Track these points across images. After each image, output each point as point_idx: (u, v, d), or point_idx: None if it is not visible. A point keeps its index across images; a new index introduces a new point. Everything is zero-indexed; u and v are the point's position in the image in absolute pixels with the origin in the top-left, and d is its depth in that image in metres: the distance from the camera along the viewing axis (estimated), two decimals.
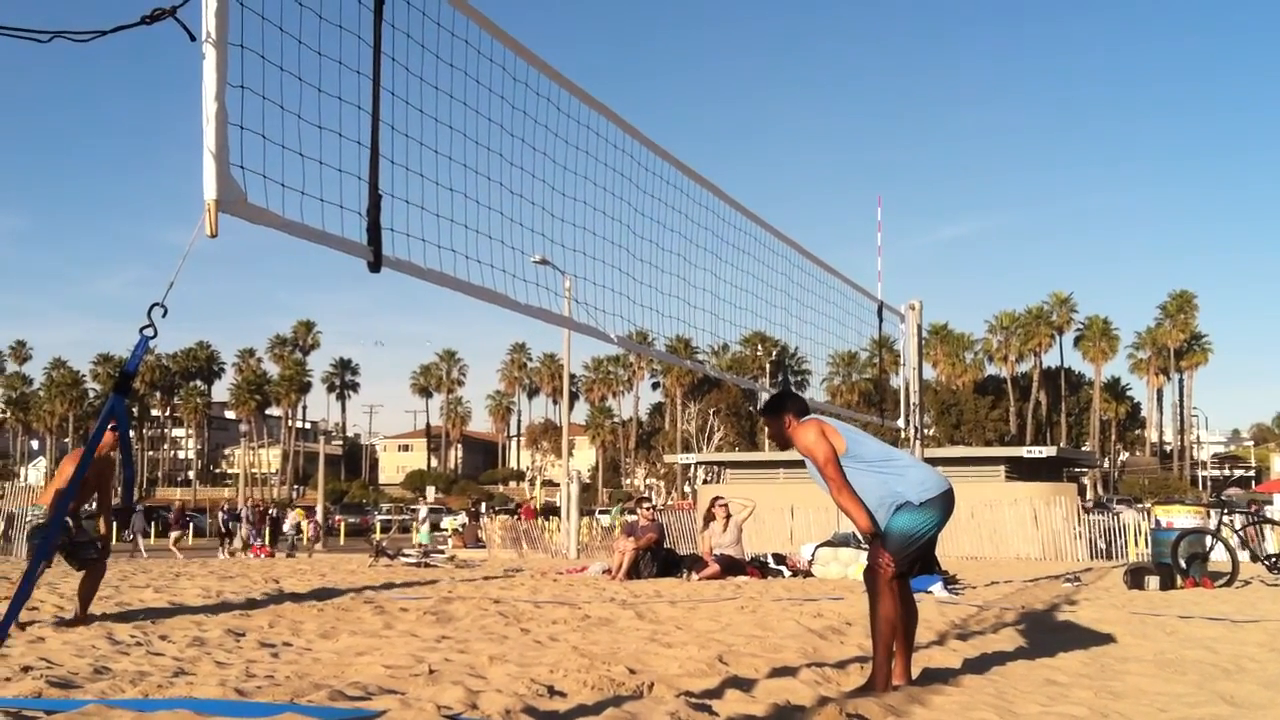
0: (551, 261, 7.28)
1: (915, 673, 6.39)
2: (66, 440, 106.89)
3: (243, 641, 7.87)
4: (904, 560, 6.04)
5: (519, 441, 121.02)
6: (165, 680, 5.90)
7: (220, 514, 36.47)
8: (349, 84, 4.59)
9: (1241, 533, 16.63)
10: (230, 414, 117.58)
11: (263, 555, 28.43)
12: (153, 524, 46.47)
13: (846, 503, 6.05)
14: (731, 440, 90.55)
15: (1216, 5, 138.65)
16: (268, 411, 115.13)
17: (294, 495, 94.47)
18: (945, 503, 6.13)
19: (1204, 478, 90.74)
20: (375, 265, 4.61)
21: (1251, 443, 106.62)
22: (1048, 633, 9.00)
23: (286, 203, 4.29)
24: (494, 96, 5.55)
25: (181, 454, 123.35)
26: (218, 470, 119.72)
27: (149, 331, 3.67)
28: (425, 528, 33.33)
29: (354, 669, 6.46)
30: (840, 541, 17.07)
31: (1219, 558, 15.74)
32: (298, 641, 7.97)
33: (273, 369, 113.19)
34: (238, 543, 31.98)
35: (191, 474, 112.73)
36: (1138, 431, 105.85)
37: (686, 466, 68.87)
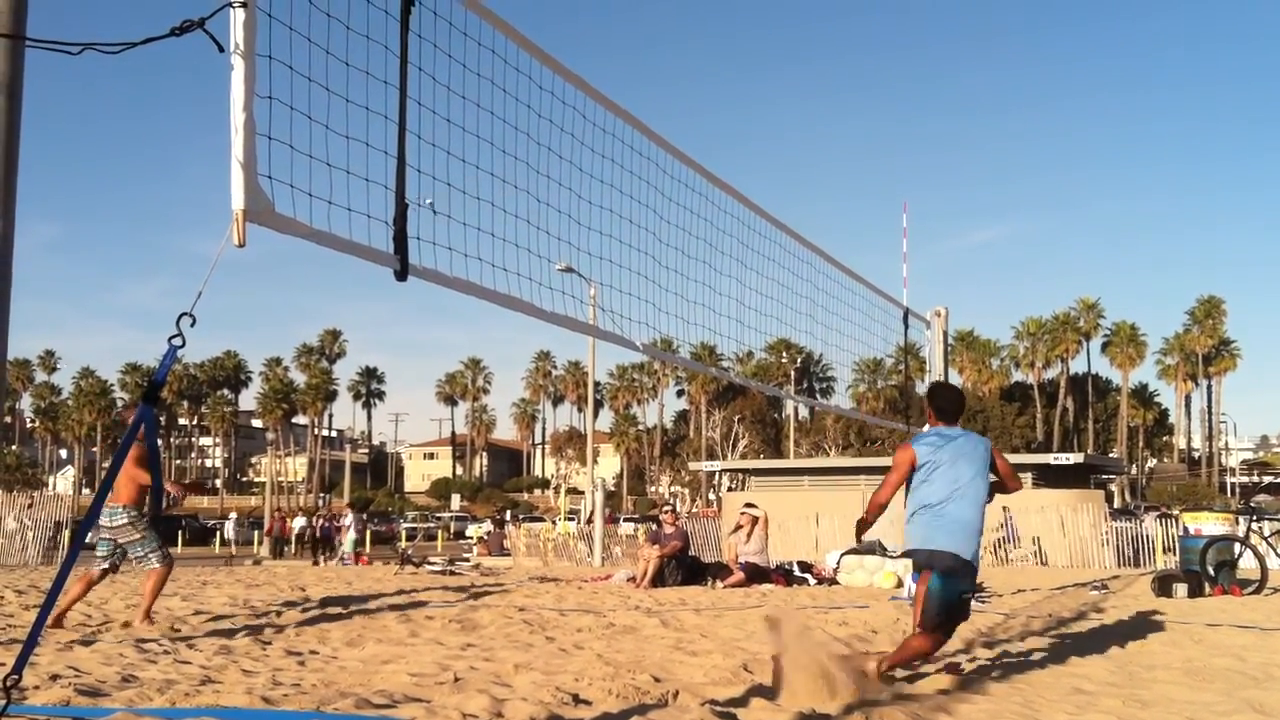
0: (576, 269, 7.30)
1: (944, 682, 6.38)
2: (95, 450, 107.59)
3: (269, 650, 7.91)
4: (930, 618, 6.30)
5: (544, 449, 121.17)
6: (192, 689, 5.93)
7: (319, 521, 36.64)
8: (376, 93, 4.61)
9: (1270, 540, 16.49)
10: (257, 422, 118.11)
11: (361, 564, 27.92)
12: (179, 534, 46.70)
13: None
14: (756, 448, 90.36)
15: (1245, 7, 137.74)
16: (294, 420, 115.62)
17: (319, 503, 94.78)
18: (930, 559, 6.39)
19: (1233, 484, 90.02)
20: (402, 274, 4.62)
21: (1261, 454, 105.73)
22: (1075, 641, 8.95)
23: (314, 212, 4.31)
24: (519, 105, 5.57)
25: (209, 462, 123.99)
26: (244, 479, 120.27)
27: (177, 341, 3.69)
28: (350, 535, 31.88)
29: (380, 677, 6.48)
30: (866, 550, 17.02)
31: (1248, 565, 15.61)
32: (324, 649, 8.00)
33: (299, 378, 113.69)
34: (347, 546, 31.38)
35: (219, 482, 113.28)
36: (1166, 438, 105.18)
37: (711, 474, 68.78)
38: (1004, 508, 13.07)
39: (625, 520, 58.59)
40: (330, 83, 4.41)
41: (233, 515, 32.72)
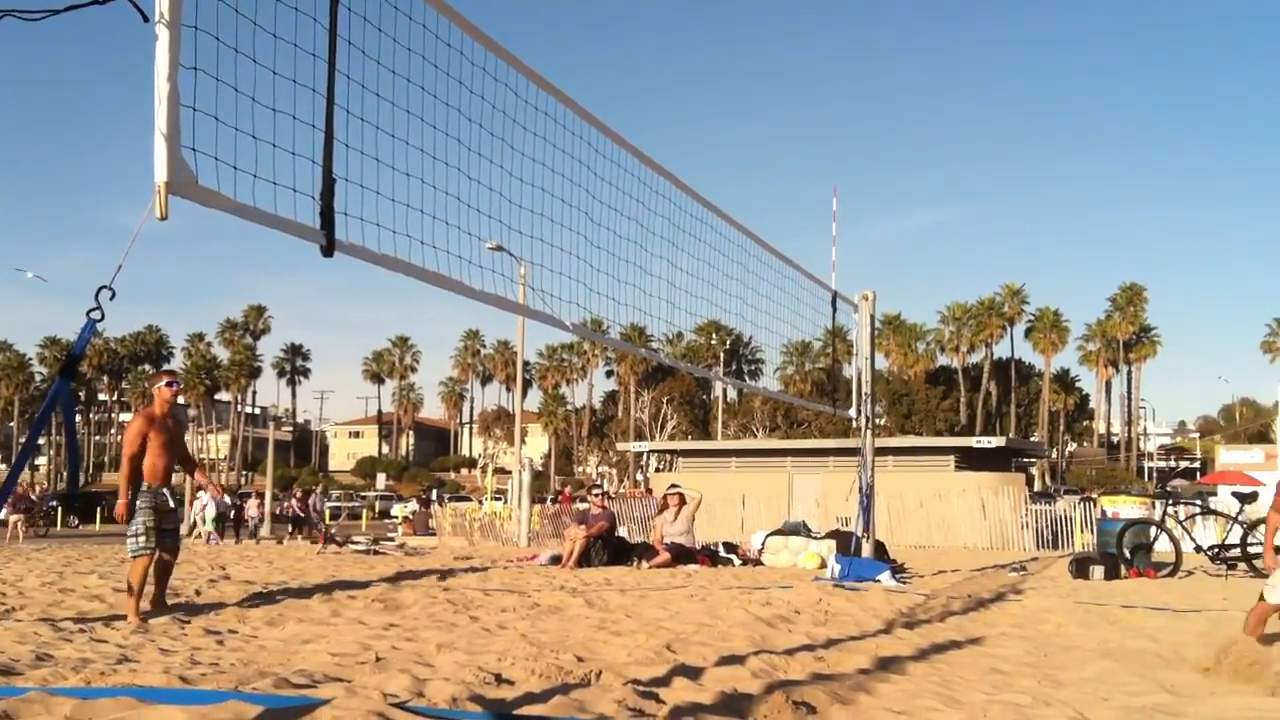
0: (507, 248, 7.27)
1: (864, 662, 6.46)
2: (11, 424, 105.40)
3: (188, 629, 7.82)
4: None
5: (471, 428, 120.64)
6: (108, 667, 5.85)
7: (293, 502, 36.29)
8: (304, 66, 4.55)
9: (1185, 524, 16.88)
10: (179, 398, 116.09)
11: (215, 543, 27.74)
12: (99, 511, 46.03)
13: None
14: (684, 429, 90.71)
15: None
16: (217, 397, 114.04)
17: (242, 481, 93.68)
18: None
19: (1150, 469, 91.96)
20: (328, 250, 4.57)
21: (1197, 435, 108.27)
22: (993, 622, 9.11)
23: (239, 186, 4.25)
24: (450, 80, 5.52)
25: None
26: None
27: (96, 315, 3.64)
28: (210, 513, 31.23)
29: (300, 657, 6.43)
30: (790, 530, 17.19)
31: (1163, 548, 15.97)
32: (243, 629, 7.92)
33: (223, 354, 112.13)
34: (209, 524, 30.85)
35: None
36: (1086, 423, 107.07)
37: (639, 455, 68.95)
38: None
39: (553, 500, 58.57)
40: (257, 54, 4.34)
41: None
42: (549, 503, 41.51)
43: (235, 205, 4.23)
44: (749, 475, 32.07)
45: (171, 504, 8.86)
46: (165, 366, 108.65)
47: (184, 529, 30.66)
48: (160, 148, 3.82)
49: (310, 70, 4.57)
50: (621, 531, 20.45)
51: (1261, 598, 7.11)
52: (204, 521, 30.45)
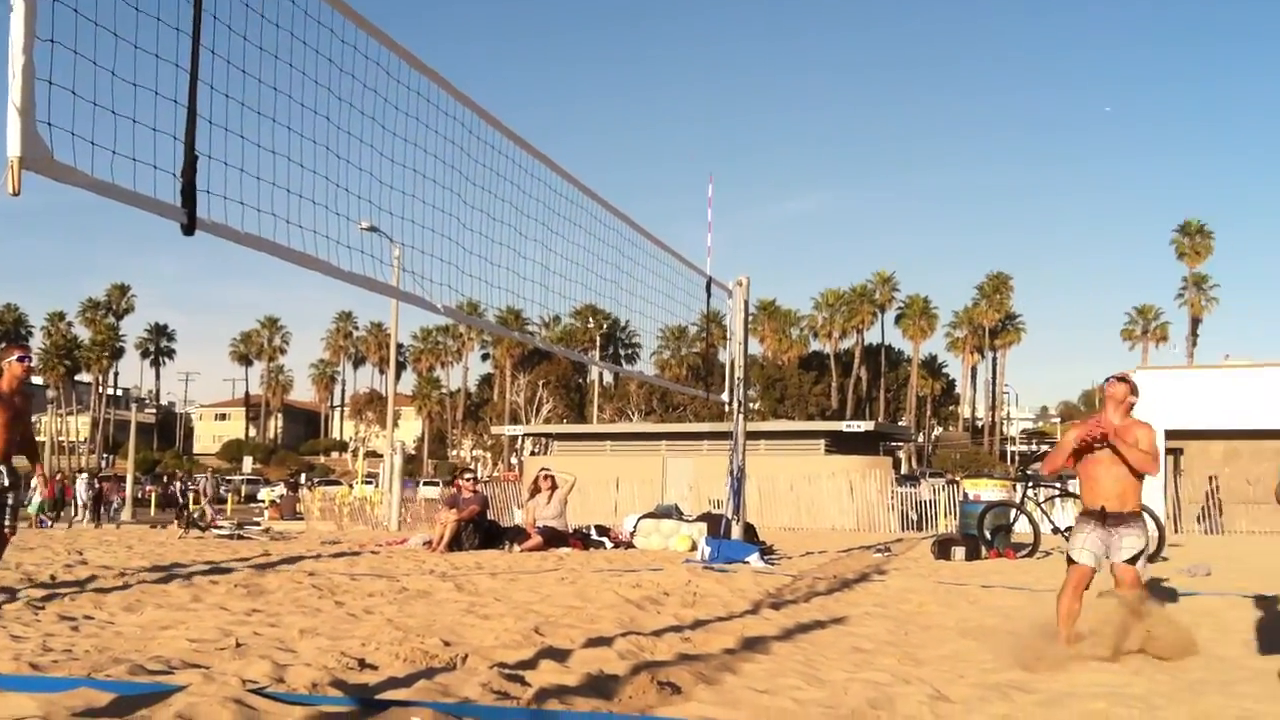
0: (379, 228, 7.19)
1: (730, 642, 6.56)
2: None
3: (41, 614, 7.59)
4: None
5: (343, 411, 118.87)
6: None
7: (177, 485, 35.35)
8: (166, 41, 4.44)
9: (1044, 506, 17.42)
10: (37, 379, 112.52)
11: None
12: None
13: None
14: (560, 413, 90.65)
15: None
16: (78, 378, 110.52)
17: (103, 464, 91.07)
18: None
19: (1013, 453, 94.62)
20: (189, 228, 4.48)
21: (1058, 420, 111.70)
22: (857, 602, 9.32)
23: (97, 162, 4.13)
24: (320, 58, 5.42)
25: None
26: None
27: None
28: (36, 497, 30.41)
29: (158, 643, 6.30)
30: (663, 513, 17.33)
31: (1022, 530, 16.45)
32: (100, 615, 7.73)
33: (84, 334, 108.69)
34: (32, 507, 29.90)
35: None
36: (952, 407, 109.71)
37: (514, 438, 68.72)
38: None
39: (426, 484, 58.08)
40: (118, 27, 4.23)
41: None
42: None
43: (93, 181, 4.12)
44: (624, 459, 32.23)
45: (6, 482, 8.51)
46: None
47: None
48: (14, 121, 3.72)
49: (174, 45, 4.46)
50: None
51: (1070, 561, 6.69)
52: (28, 504, 29.51)
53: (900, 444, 66.48)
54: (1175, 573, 12.68)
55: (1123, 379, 6.81)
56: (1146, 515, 16.16)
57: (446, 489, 27.29)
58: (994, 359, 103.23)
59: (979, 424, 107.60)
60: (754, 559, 13.17)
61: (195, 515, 22.33)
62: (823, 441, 31.55)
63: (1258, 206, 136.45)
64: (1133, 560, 6.45)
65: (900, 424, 79.86)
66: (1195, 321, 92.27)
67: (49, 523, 27.72)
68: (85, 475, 36.56)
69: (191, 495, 33.01)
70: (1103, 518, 6.56)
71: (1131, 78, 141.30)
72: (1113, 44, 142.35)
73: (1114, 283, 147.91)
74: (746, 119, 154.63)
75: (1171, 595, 9.73)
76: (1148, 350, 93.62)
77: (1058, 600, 6.64)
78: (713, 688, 5.19)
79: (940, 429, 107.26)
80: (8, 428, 8.45)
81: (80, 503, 32.72)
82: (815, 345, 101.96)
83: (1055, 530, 16.45)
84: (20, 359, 8.78)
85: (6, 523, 8.43)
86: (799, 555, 15.34)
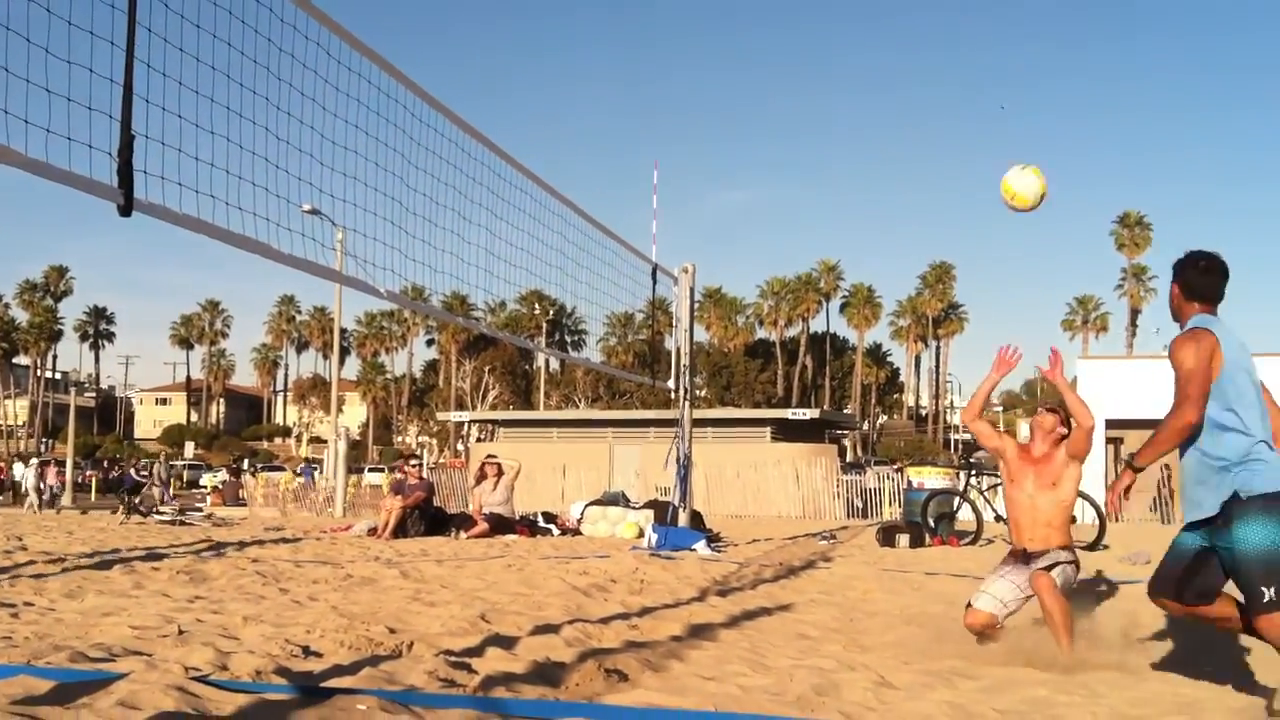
0: (322, 212, 7.09)
1: (676, 629, 6.55)
2: None
3: None
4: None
5: (286, 397, 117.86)
6: None
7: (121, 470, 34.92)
8: (102, 18, 4.35)
9: (986, 494, 17.59)
10: None
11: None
12: None
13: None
14: (506, 399, 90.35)
15: None
16: (15, 361, 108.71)
17: (42, 449, 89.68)
18: None
19: (956, 441, 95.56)
20: (126, 209, 4.40)
21: (1000, 409, 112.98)
22: (803, 589, 9.35)
23: (30, 141, 4.05)
24: (259, 37, 5.34)
25: None
26: None
27: None
28: None
29: (99, 630, 6.20)
30: (609, 500, 17.31)
31: (965, 517, 16.60)
32: (40, 601, 7.59)
33: (21, 316, 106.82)
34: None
35: None
36: (896, 396, 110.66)
37: (460, 424, 68.50)
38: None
39: (371, 470, 57.76)
40: (50, 3, 4.13)
41: None
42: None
43: (26, 160, 4.04)
44: (570, 445, 32.17)
45: None
46: None
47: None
48: None
49: (109, 22, 4.37)
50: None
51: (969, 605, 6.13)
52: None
53: (845, 432, 66.92)
54: (1115, 560, 12.83)
55: (1053, 410, 6.34)
56: (1087, 503, 16.30)
57: (392, 475, 27.14)
58: (937, 348, 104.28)
59: (923, 412, 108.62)
60: (701, 546, 13.19)
61: (137, 501, 22.01)
62: (769, 429, 31.65)
63: (1196, 198, 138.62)
64: (1049, 568, 5.94)
65: (845, 412, 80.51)
66: (1135, 312, 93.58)
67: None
68: (35, 462, 36.04)
69: (145, 479, 32.69)
70: (1025, 558, 6.09)
71: (1070, 69, 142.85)
72: (1048, 35, 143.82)
73: (1055, 273, 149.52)
74: (690, 107, 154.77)
75: (1109, 583, 9.83)
76: (1088, 340, 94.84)
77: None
78: (659, 675, 5.17)
79: (885, 417, 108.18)
80: None
81: (34, 488, 32.28)
82: (761, 333, 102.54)
83: (998, 518, 16.61)
84: None
85: None
86: (745, 542, 15.38)
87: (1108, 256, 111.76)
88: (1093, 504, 16.19)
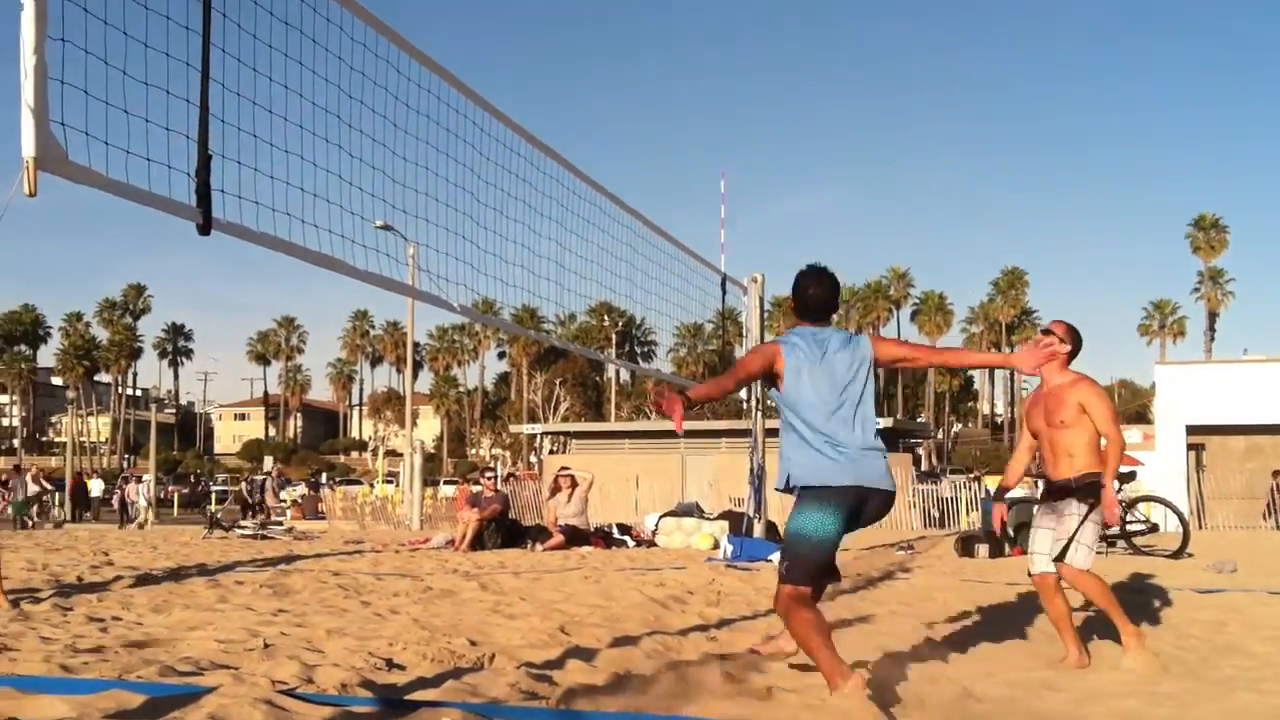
0: (394, 227, 7.15)
1: (755, 641, 6.50)
2: None
3: (70, 616, 7.58)
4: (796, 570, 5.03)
5: (361, 411, 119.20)
6: None
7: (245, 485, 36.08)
8: (177, 40, 4.42)
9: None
10: (56, 380, 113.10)
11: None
12: None
13: None
14: (577, 410, 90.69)
15: None
16: (96, 378, 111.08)
17: (124, 465, 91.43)
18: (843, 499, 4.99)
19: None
20: (204, 228, 4.46)
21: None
22: (882, 600, 9.24)
23: (111, 162, 4.12)
24: (331, 57, 5.40)
25: (4, 421, 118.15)
26: (44, 438, 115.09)
27: None
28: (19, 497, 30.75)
29: (186, 644, 6.28)
30: (684, 511, 17.26)
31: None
32: (128, 615, 7.71)
33: (102, 334, 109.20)
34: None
35: (16, 442, 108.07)
36: (971, 404, 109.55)
37: (532, 437, 68.77)
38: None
39: (446, 483, 58.16)
40: (128, 27, 4.21)
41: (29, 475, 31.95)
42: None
43: (108, 182, 4.11)
44: (642, 457, 32.18)
45: None
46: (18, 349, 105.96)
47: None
48: (28, 122, 3.70)
49: (184, 44, 4.43)
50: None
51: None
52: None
53: (919, 440, 66.28)
54: (1200, 569, 12.56)
55: (1046, 330, 6.16)
56: (1170, 510, 15.98)
57: (465, 486, 27.32)
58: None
59: (998, 420, 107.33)
60: (777, 557, 13.07)
61: (217, 515, 22.35)
62: None
63: (1272, 199, 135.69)
64: (1062, 554, 5.83)
65: (919, 420, 79.68)
66: (1212, 316, 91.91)
67: (29, 524, 27.95)
68: (148, 479, 37.02)
69: (259, 493, 33.74)
70: (1053, 493, 5.99)
71: (1145, 70, 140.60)
72: (1125, 36, 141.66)
73: (1130, 277, 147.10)
74: (758, 113, 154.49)
75: (1196, 592, 9.61)
76: (1165, 345, 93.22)
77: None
78: (740, 687, 5.13)
79: (959, 425, 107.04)
80: None
81: (144, 504, 33.07)
82: None
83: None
84: None
85: None
86: None
87: (1183, 260, 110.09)
88: (1176, 511, 15.87)
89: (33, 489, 30.40)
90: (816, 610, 5.02)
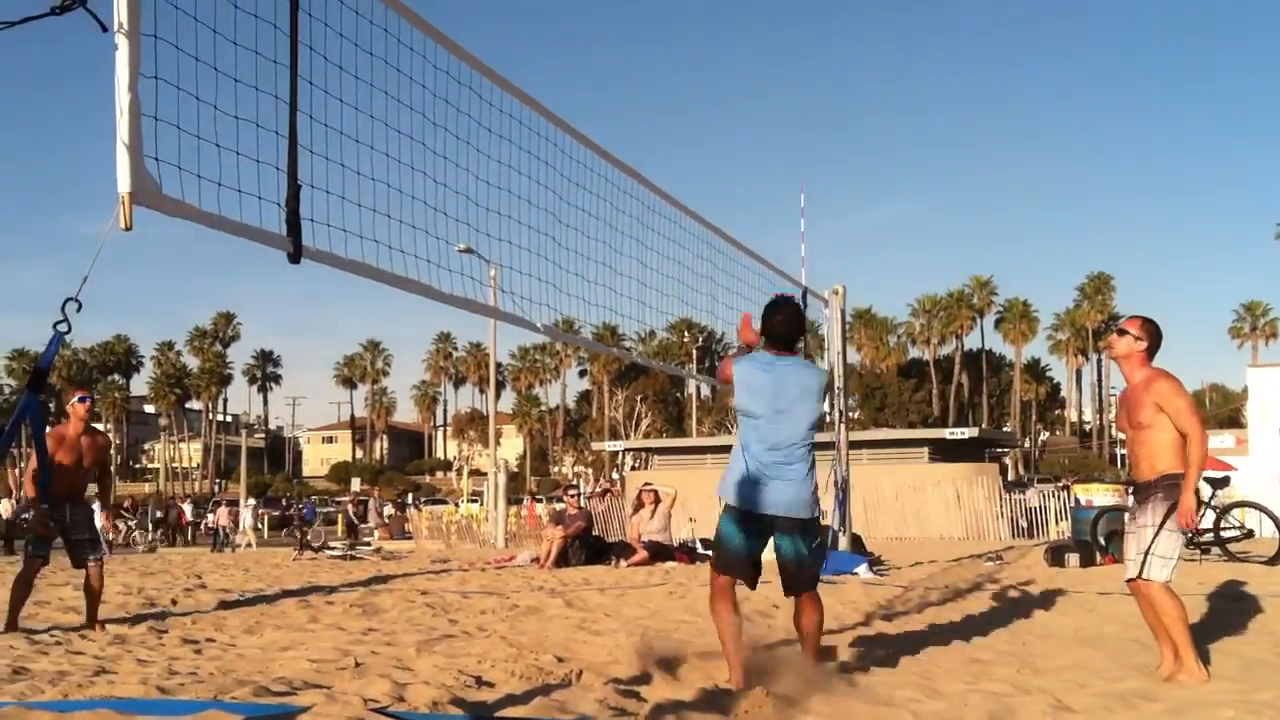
0: (476, 250, 7.25)
1: (844, 655, 6.48)
2: None
3: (165, 638, 7.77)
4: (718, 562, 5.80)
5: (445, 431, 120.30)
6: (85, 680, 5.81)
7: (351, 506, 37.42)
8: (265, 73, 4.53)
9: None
10: (149, 408, 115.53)
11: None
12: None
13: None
14: (659, 427, 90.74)
15: None
16: (188, 405, 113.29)
17: (216, 489, 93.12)
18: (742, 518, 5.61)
19: (1122, 456, 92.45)
20: (295, 256, 4.56)
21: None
22: (970, 611, 9.15)
23: (203, 194, 4.23)
24: (414, 84, 5.50)
25: None
26: (137, 465, 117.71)
27: (63, 327, 3.62)
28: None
29: (279, 664, 6.40)
30: None
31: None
32: (221, 637, 7.88)
33: (192, 362, 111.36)
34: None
35: (110, 469, 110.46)
36: (1058, 411, 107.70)
37: (614, 454, 68.95)
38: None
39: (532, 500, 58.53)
40: (218, 62, 4.32)
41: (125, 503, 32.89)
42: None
43: (200, 214, 4.21)
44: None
45: (70, 519, 8.69)
46: (112, 379, 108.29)
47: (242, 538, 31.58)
48: (123, 158, 3.80)
49: (272, 76, 4.55)
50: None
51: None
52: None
53: (1006, 450, 65.38)
54: None
55: (1121, 331, 6.04)
56: (1263, 514, 15.58)
57: (550, 505, 27.43)
58: (1099, 361, 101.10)
59: (1086, 427, 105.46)
60: (863, 570, 13.03)
61: (307, 537, 22.68)
62: (926, 449, 31.15)
63: None
64: (1139, 572, 5.68)
65: (1005, 430, 78.62)
66: None
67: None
68: (253, 503, 38.28)
69: (359, 514, 34.77)
70: (1138, 493, 5.84)
71: (1231, 70, 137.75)
72: (1204, 35, 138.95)
73: (1219, 280, 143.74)
74: (836, 125, 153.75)
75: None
76: (1257, 348, 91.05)
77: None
78: (829, 702, 5.12)
79: (1046, 434, 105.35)
80: (71, 469, 8.64)
81: (251, 526, 34.14)
82: (914, 352, 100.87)
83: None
84: (81, 400, 9.00)
85: (83, 556, 8.63)
86: (908, 565, 15.13)
87: (1274, 261, 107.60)
88: (1271, 517, 15.51)
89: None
90: (733, 608, 5.64)
